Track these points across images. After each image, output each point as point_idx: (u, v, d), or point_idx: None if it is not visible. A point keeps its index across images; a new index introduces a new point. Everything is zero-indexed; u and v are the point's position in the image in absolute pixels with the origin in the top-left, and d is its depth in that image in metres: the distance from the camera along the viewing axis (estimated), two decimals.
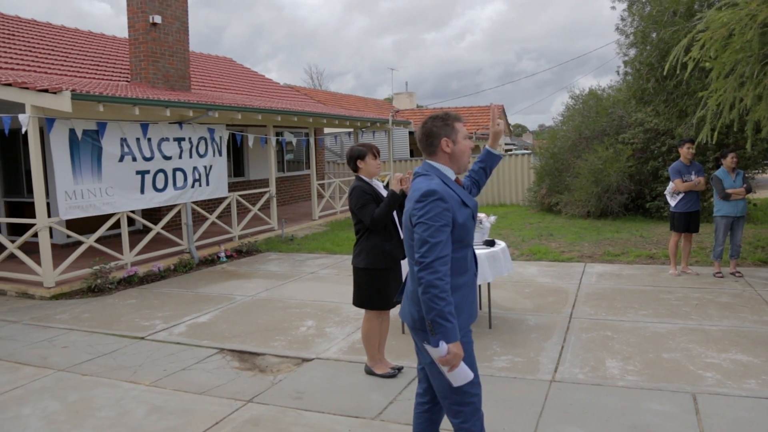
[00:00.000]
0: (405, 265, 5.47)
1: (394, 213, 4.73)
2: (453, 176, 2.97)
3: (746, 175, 8.85)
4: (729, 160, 7.77)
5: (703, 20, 6.16)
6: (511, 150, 27.69)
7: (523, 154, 18.84)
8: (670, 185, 8.05)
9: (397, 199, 4.65)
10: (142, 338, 6.12)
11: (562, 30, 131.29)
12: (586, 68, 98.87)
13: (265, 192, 12.66)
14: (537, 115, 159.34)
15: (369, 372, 4.92)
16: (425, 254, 2.67)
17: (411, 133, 23.23)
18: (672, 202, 8.05)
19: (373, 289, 4.71)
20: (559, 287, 7.60)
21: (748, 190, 7.89)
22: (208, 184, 10.43)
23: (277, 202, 14.98)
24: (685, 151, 8.00)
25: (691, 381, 4.62)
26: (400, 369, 4.94)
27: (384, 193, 4.79)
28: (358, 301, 4.81)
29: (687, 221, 7.99)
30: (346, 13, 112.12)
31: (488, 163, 3.47)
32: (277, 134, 13.95)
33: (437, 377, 2.86)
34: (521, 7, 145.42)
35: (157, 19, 11.45)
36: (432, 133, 2.95)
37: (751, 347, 5.29)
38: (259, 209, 12.26)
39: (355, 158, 4.77)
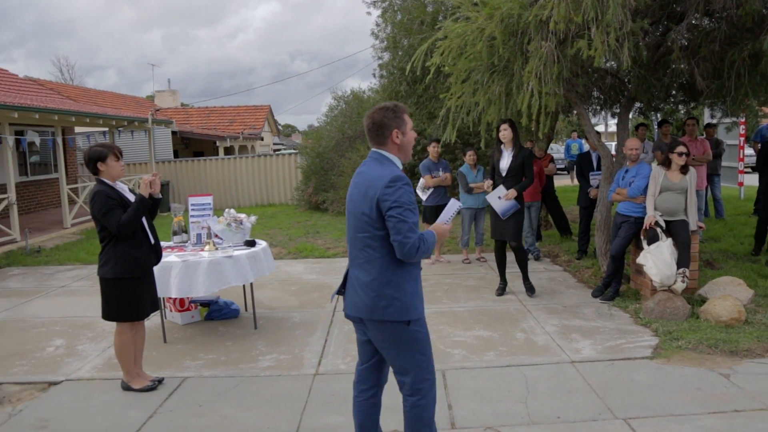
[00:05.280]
0: (166, 269, 5.20)
1: (144, 218, 4.47)
2: (401, 165, 3.10)
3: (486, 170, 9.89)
4: (469, 157, 8.62)
5: (443, 30, 6.73)
6: (280, 150, 27.83)
7: (290, 154, 19.07)
8: (421, 181, 8.72)
9: (147, 204, 4.40)
10: None
11: (334, 33, 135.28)
12: (354, 70, 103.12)
13: (3, 199, 11.19)
14: (307, 115, 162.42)
15: (126, 388, 4.60)
16: (407, 234, 2.89)
17: (174, 133, 21.93)
18: (423, 197, 8.72)
19: (124, 300, 4.41)
20: (324, 283, 7.82)
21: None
22: None
23: (20, 210, 13.31)
24: (432, 150, 8.71)
25: (441, 359, 5.04)
26: (161, 381, 4.70)
27: (130, 197, 4.49)
28: (107, 314, 4.47)
29: (437, 213, 8.66)
30: (109, 3, 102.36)
31: None
32: (18, 133, 12.40)
33: (397, 358, 3.11)
34: (295, 8, 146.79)
35: None
36: (383, 124, 3.07)
37: (491, 324, 5.95)
38: None
39: (94, 160, 4.39)
